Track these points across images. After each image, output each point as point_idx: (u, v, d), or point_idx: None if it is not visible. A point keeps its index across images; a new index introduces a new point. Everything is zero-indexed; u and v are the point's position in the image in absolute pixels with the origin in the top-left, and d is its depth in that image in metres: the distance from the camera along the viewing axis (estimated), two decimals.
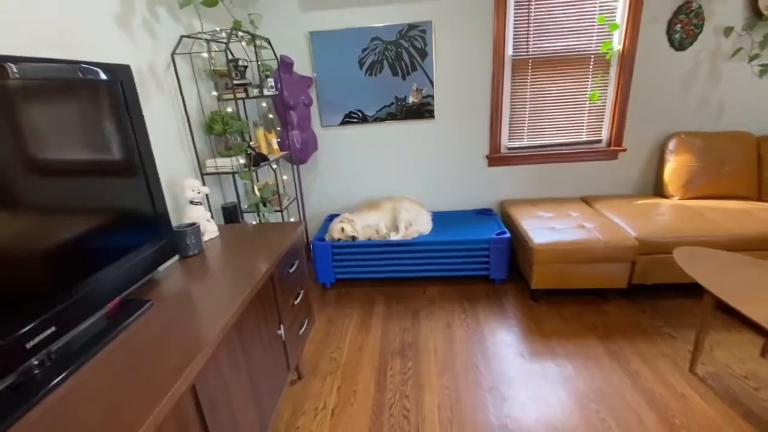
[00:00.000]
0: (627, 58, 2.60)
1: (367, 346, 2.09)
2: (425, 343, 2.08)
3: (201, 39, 1.95)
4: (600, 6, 2.54)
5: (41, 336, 0.87)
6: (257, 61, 2.29)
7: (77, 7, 1.29)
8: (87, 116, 1.04)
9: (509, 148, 2.91)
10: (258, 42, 2.24)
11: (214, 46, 2.09)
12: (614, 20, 2.57)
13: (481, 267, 2.55)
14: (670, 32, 2.54)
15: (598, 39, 2.60)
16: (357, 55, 2.70)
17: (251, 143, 2.14)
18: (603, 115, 2.79)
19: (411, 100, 2.79)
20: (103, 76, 1.09)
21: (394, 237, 2.58)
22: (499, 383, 1.77)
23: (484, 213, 2.95)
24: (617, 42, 2.62)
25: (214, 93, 2.12)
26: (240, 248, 1.56)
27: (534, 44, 2.65)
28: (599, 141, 2.86)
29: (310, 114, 2.80)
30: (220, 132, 1.95)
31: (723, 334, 1.97)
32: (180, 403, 0.88)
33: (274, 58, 2.45)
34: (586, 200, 2.83)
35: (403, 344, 2.08)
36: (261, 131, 2.28)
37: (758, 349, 1.85)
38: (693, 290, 2.32)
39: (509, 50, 2.67)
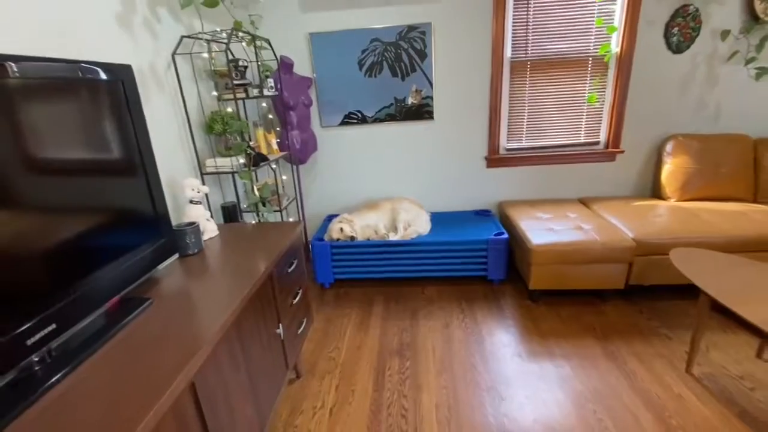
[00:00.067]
0: (625, 61, 2.62)
1: (365, 346, 2.09)
2: (423, 343, 2.09)
3: (201, 39, 1.96)
4: (598, 9, 2.56)
5: (42, 333, 0.87)
6: (257, 61, 2.30)
7: (78, 6, 1.30)
8: (88, 115, 1.05)
9: (508, 150, 2.92)
10: (258, 42, 2.25)
11: (214, 47, 2.10)
12: (612, 23, 2.59)
13: (479, 267, 2.56)
14: (667, 35, 2.56)
15: (596, 41, 2.62)
16: (357, 56, 2.71)
17: (251, 143, 2.15)
18: (601, 117, 2.81)
19: (410, 101, 2.80)
20: (104, 76, 1.10)
21: (393, 237, 2.59)
22: (496, 383, 1.78)
23: (483, 214, 2.96)
24: (615, 44, 2.64)
25: (215, 93, 2.13)
26: (239, 247, 1.56)
27: (533, 46, 2.66)
28: (597, 143, 2.87)
29: (310, 114, 2.81)
30: (220, 132, 1.96)
31: (719, 335, 1.98)
32: (179, 400, 0.89)
33: (274, 58, 2.46)
34: (584, 201, 2.85)
35: (402, 344, 2.09)
36: (261, 131, 2.29)
37: (754, 349, 1.87)
38: (690, 291, 2.34)
39: (508, 52, 2.68)
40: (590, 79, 2.71)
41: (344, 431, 1.58)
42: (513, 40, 2.66)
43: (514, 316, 2.27)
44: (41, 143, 0.91)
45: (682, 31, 2.54)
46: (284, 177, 2.91)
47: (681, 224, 2.27)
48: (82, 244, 1.02)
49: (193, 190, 1.61)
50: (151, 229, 1.28)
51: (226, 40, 1.89)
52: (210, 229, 1.69)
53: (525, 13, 2.59)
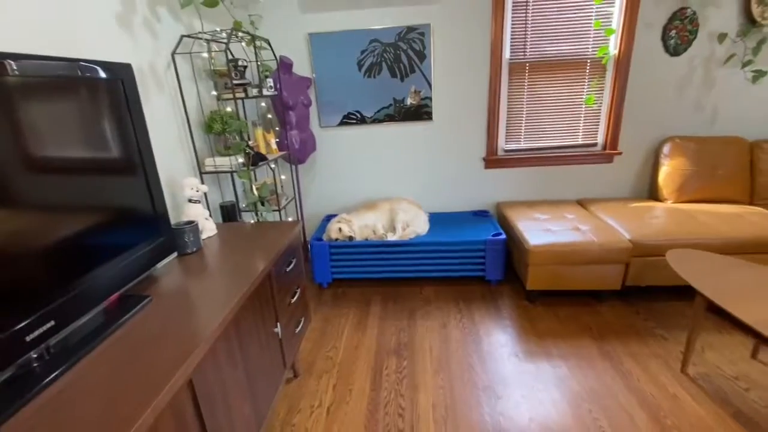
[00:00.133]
0: (623, 63, 2.63)
1: (363, 346, 2.10)
2: (421, 342, 2.09)
3: (201, 39, 1.97)
4: (596, 11, 2.57)
5: (41, 330, 0.88)
6: (257, 61, 2.31)
7: (78, 6, 1.31)
8: (88, 114, 1.05)
9: (506, 151, 2.94)
10: (258, 43, 2.25)
11: (214, 46, 2.11)
12: (610, 25, 2.61)
13: (477, 268, 2.57)
14: (665, 38, 2.57)
15: (594, 44, 2.64)
16: (356, 56, 2.72)
17: (250, 143, 2.16)
18: (599, 118, 2.82)
19: (409, 101, 2.81)
20: (103, 75, 1.10)
21: (391, 237, 2.60)
22: (493, 383, 1.78)
23: (481, 214, 2.97)
24: (613, 47, 2.65)
25: (214, 92, 2.13)
26: (238, 246, 1.57)
27: (531, 48, 2.68)
28: (595, 144, 2.89)
29: (309, 114, 2.81)
30: (219, 131, 1.96)
31: (714, 336, 2.00)
32: (177, 397, 0.90)
33: (274, 58, 2.46)
34: (582, 203, 2.86)
35: (399, 344, 2.10)
36: (260, 131, 2.30)
37: (749, 350, 1.88)
38: (686, 292, 2.35)
39: (507, 54, 2.70)
40: (588, 81, 2.73)
41: (341, 430, 1.59)
42: (512, 42, 2.67)
43: (511, 317, 2.28)
44: (41, 141, 0.91)
45: (679, 34, 2.55)
46: (283, 177, 2.91)
47: (678, 226, 2.28)
48: (82, 241, 1.02)
49: (192, 189, 1.62)
50: (150, 227, 1.29)
51: (225, 40, 1.90)
52: (208, 228, 1.69)
53: (524, 14, 2.61)
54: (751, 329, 1.38)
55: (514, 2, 2.58)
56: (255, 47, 2.26)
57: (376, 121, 2.87)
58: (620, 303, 2.34)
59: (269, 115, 2.78)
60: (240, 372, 1.22)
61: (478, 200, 3.05)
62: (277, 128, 2.73)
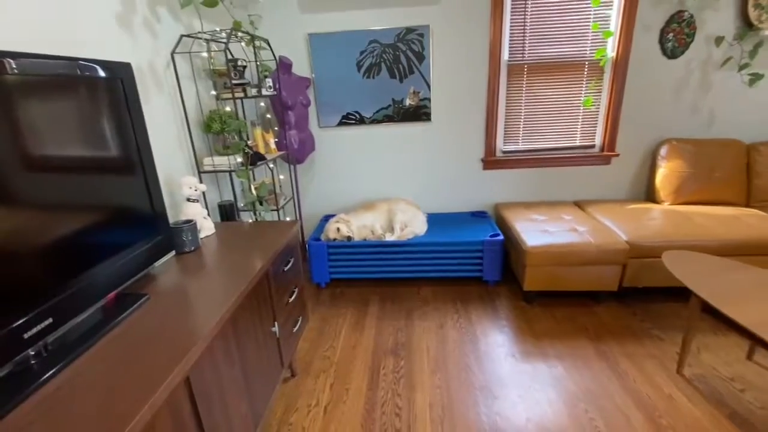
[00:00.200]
0: (620, 65, 2.65)
1: (360, 345, 2.11)
2: (418, 342, 2.10)
3: (201, 39, 1.98)
4: (594, 13, 2.59)
5: (38, 327, 0.88)
6: (256, 61, 2.31)
7: (78, 5, 1.31)
8: (87, 113, 1.06)
9: (504, 152, 2.95)
10: (257, 43, 2.26)
11: (213, 46, 2.11)
12: (608, 28, 2.62)
13: (474, 268, 2.58)
14: (662, 41, 2.59)
15: (592, 46, 2.65)
16: (355, 57, 2.73)
17: (249, 142, 2.16)
18: (596, 120, 2.84)
19: (408, 102, 2.82)
20: (103, 73, 1.11)
21: (390, 238, 2.60)
22: (490, 383, 1.79)
23: (479, 215, 2.98)
24: (611, 49, 2.66)
25: (213, 92, 2.14)
26: (236, 245, 1.57)
27: (530, 50, 2.69)
28: (593, 146, 2.90)
29: (308, 114, 2.82)
30: (218, 131, 1.97)
31: (710, 337, 2.01)
32: (174, 395, 0.90)
33: (273, 58, 2.47)
34: (579, 204, 2.87)
35: (397, 344, 2.10)
36: (259, 131, 2.30)
37: (744, 351, 1.89)
38: (682, 294, 2.36)
39: (505, 55, 2.71)
40: (586, 83, 2.74)
41: (338, 429, 1.59)
42: (510, 44, 2.68)
43: (508, 317, 2.28)
44: (40, 140, 0.91)
45: (677, 37, 2.57)
46: (281, 176, 2.92)
47: (674, 227, 2.30)
48: (80, 240, 1.02)
49: (190, 188, 1.62)
50: (148, 226, 1.29)
51: (225, 40, 1.90)
52: (207, 227, 1.70)
53: (522, 16, 2.62)
54: (746, 331, 1.39)
55: (512, 4, 2.59)
56: (254, 47, 2.26)
57: (374, 121, 2.88)
58: (617, 304, 2.35)
59: (268, 115, 2.78)
60: (237, 371, 1.23)
61: (476, 201, 3.06)
62: (276, 128, 2.74)
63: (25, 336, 0.85)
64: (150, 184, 1.29)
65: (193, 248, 1.54)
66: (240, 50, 2.45)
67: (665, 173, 2.70)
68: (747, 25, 2.51)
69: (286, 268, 1.68)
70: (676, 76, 2.67)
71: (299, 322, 1.84)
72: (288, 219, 2.97)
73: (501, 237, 2.52)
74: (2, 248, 0.83)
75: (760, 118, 2.72)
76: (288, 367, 1.87)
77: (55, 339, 0.98)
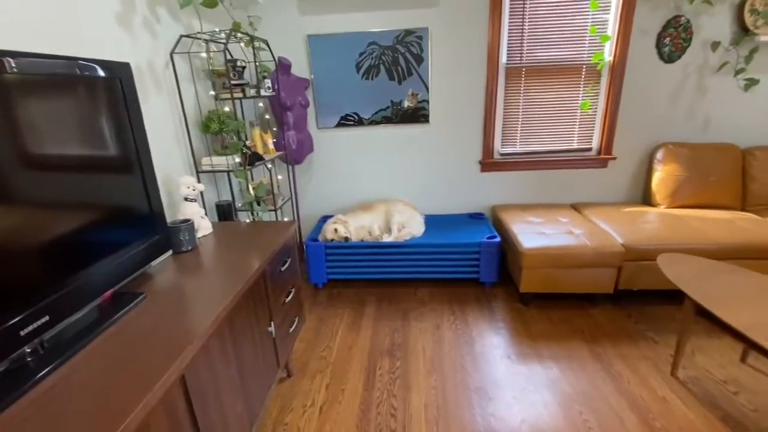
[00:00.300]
0: (617, 69, 2.67)
1: (356, 346, 2.11)
2: (414, 343, 2.11)
3: (200, 39, 1.98)
4: (592, 18, 2.61)
5: (35, 324, 0.89)
6: (255, 62, 2.32)
7: (79, 5, 1.32)
8: (86, 112, 1.06)
9: (502, 154, 2.96)
10: (256, 43, 2.27)
11: (212, 47, 2.12)
12: (605, 32, 2.64)
13: (471, 270, 2.59)
14: (659, 45, 2.61)
15: (589, 50, 2.67)
16: (354, 58, 2.74)
17: (247, 143, 2.17)
18: (594, 123, 2.85)
19: (406, 104, 2.83)
20: (102, 73, 1.11)
21: (387, 239, 2.61)
22: (485, 384, 1.80)
23: (476, 217, 2.99)
24: (608, 53, 2.68)
25: (212, 92, 2.15)
26: (233, 245, 1.58)
27: (528, 53, 2.70)
28: (590, 149, 2.92)
29: (307, 115, 2.83)
30: (216, 131, 1.97)
31: (704, 340, 2.02)
32: (169, 393, 0.90)
33: (272, 59, 2.48)
34: (576, 207, 2.89)
35: (393, 344, 2.11)
36: (257, 131, 2.31)
37: (738, 354, 1.90)
38: (677, 296, 2.37)
39: (503, 58, 2.72)
40: (584, 87, 2.76)
41: (334, 429, 1.60)
42: (508, 47, 2.70)
43: (504, 319, 2.29)
44: (39, 139, 0.92)
45: (673, 42, 2.59)
46: (280, 177, 2.92)
47: (670, 231, 2.31)
48: (77, 238, 1.03)
49: (188, 187, 1.63)
50: (145, 225, 1.30)
51: (224, 41, 1.91)
52: (204, 226, 1.70)
53: (520, 19, 2.64)
54: (739, 333, 1.40)
55: (511, 8, 2.61)
56: (253, 48, 2.27)
57: (373, 122, 2.89)
58: (613, 306, 2.36)
59: (267, 116, 2.79)
60: (233, 370, 1.23)
61: (474, 203, 3.08)
62: (274, 129, 2.74)
63: (22, 333, 0.86)
64: (148, 184, 1.30)
65: (190, 248, 1.55)
66: (239, 51, 2.46)
67: (661, 177, 2.72)
68: (743, 30, 2.54)
69: (283, 269, 1.68)
70: (672, 81, 2.69)
71: (296, 323, 1.85)
72: (286, 219, 2.98)
73: (498, 239, 2.53)
74: (1, 246, 0.83)
75: (755, 123, 2.74)
76: (284, 367, 1.88)
77: (52, 337, 0.99)
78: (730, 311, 1.46)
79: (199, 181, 1.95)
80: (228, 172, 2.01)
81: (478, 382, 1.81)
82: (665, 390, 1.72)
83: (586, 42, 2.66)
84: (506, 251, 2.65)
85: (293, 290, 1.81)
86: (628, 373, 1.82)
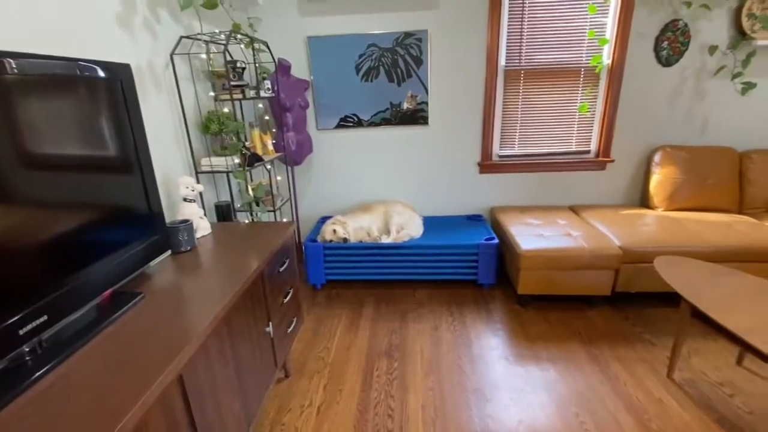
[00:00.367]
0: (616, 72, 2.68)
1: (354, 347, 2.12)
2: (412, 345, 2.11)
3: (200, 40, 1.99)
4: (590, 21, 2.62)
5: (34, 324, 0.89)
6: (255, 63, 2.33)
7: (80, 6, 1.32)
8: (86, 113, 1.07)
9: (500, 156, 2.97)
10: (256, 45, 2.28)
11: (212, 48, 2.13)
12: (604, 35, 2.65)
13: (469, 271, 2.60)
14: (657, 49, 2.62)
15: (588, 53, 2.68)
16: (354, 60, 2.75)
17: (246, 143, 2.17)
18: (592, 126, 2.87)
19: (405, 106, 2.84)
20: (102, 74, 1.12)
21: (386, 240, 2.62)
22: (483, 385, 1.80)
23: (475, 219, 3.00)
24: (606, 56, 2.70)
25: (212, 93, 2.15)
26: (231, 245, 1.59)
27: (526, 56, 2.72)
28: (588, 151, 2.93)
29: (306, 116, 2.84)
30: (216, 132, 1.98)
31: (700, 342, 2.03)
32: (167, 392, 0.91)
33: (272, 61, 2.49)
34: (574, 209, 2.90)
35: (391, 345, 2.11)
36: (256, 132, 2.32)
37: (734, 356, 1.91)
38: (674, 299, 2.38)
39: (502, 61, 2.74)
40: (582, 89, 2.77)
41: (331, 430, 1.60)
42: (507, 49, 2.71)
43: (502, 320, 2.30)
44: (39, 139, 0.93)
45: (671, 45, 2.60)
46: (279, 178, 2.93)
47: (667, 233, 2.32)
48: (77, 238, 1.04)
49: (187, 188, 1.63)
50: (144, 225, 1.30)
51: (224, 42, 1.92)
52: (203, 227, 1.71)
53: (519, 23, 2.65)
54: (735, 336, 1.41)
55: (510, 11, 2.62)
56: (253, 49, 2.28)
57: (372, 124, 2.90)
58: (610, 308, 2.37)
59: (266, 117, 2.80)
60: (230, 370, 1.24)
61: (473, 204, 3.08)
62: (274, 130, 2.75)
63: (21, 332, 0.86)
64: (147, 184, 1.31)
65: (189, 248, 1.55)
66: (239, 52, 2.47)
67: (659, 179, 2.73)
68: (740, 34, 2.55)
69: (281, 269, 1.69)
70: (670, 84, 2.70)
71: (294, 323, 1.85)
72: (285, 220, 2.98)
73: (496, 240, 2.54)
74: (1, 245, 0.84)
75: (752, 126, 2.76)
76: (282, 367, 1.88)
77: (50, 336, 0.99)
78: (726, 314, 1.47)
79: (198, 182, 1.95)
80: (227, 172, 2.01)
81: (475, 383, 1.82)
82: (661, 392, 1.72)
83: (585, 45, 2.67)
84: (504, 253, 2.66)
85: (291, 291, 1.82)
86: (624, 374, 1.83)
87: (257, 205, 2.19)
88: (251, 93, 2.16)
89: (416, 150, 2.96)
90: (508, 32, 2.68)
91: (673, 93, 2.72)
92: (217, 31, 2.02)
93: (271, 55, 2.43)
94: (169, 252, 1.51)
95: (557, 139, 2.90)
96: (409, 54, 2.72)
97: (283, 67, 2.58)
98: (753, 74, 2.63)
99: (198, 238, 1.67)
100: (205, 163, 1.99)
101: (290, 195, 2.94)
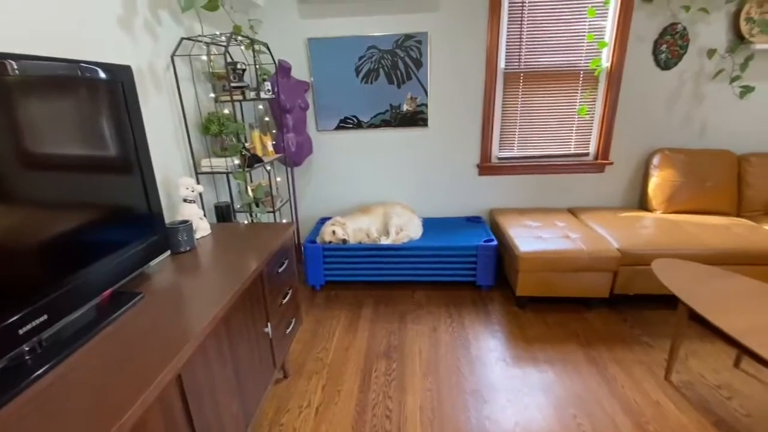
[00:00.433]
0: (615, 75, 2.69)
1: (353, 348, 2.12)
2: (411, 346, 2.12)
3: (201, 42, 2.00)
4: (590, 24, 2.63)
5: (33, 323, 0.90)
6: (255, 64, 2.34)
7: (81, 7, 1.33)
8: (87, 114, 1.08)
9: (499, 158, 2.98)
10: (257, 46, 2.29)
11: (213, 49, 2.14)
12: (603, 38, 2.66)
13: (468, 273, 2.60)
14: (656, 52, 2.63)
15: (587, 56, 2.69)
16: (354, 62, 2.76)
17: (246, 144, 2.18)
18: (591, 129, 2.88)
19: (405, 107, 2.85)
20: (103, 76, 1.13)
21: (385, 241, 2.62)
22: (481, 387, 1.81)
23: (474, 220, 3.00)
24: (605, 59, 2.71)
25: (212, 95, 2.16)
26: (231, 246, 1.59)
27: (526, 58, 2.73)
28: (587, 154, 2.94)
29: (306, 118, 2.85)
30: (216, 133, 1.99)
31: (698, 344, 2.03)
32: (165, 392, 0.91)
33: (273, 62, 2.50)
34: (573, 211, 2.90)
35: (389, 347, 2.12)
36: (256, 133, 2.33)
37: (732, 359, 1.92)
38: (672, 301, 2.38)
39: (502, 63, 2.75)
40: (581, 92, 2.78)
41: (329, 430, 1.61)
42: (507, 52, 2.72)
43: (501, 322, 2.30)
44: (40, 140, 0.93)
45: (670, 49, 2.61)
46: (278, 179, 2.94)
47: (665, 236, 2.33)
48: (77, 238, 1.04)
49: (187, 188, 1.64)
50: (144, 225, 1.31)
51: (225, 43, 1.93)
52: (203, 227, 1.71)
53: (519, 25, 2.66)
54: (732, 339, 1.41)
55: (509, 14, 2.64)
56: (254, 51, 2.29)
57: (372, 126, 2.91)
58: (608, 310, 2.38)
59: (266, 118, 2.81)
60: (229, 370, 1.24)
61: (472, 206, 3.09)
62: (274, 131, 2.76)
63: (20, 332, 0.87)
64: (147, 185, 1.31)
65: (188, 248, 1.56)
66: (239, 54, 2.48)
67: (658, 182, 2.74)
68: (738, 38, 2.56)
69: (280, 270, 1.69)
70: (669, 87, 2.71)
71: (292, 324, 1.86)
72: (284, 221, 2.99)
73: (495, 242, 2.54)
74: (1, 245, 0.84)
75: (750, 130, 2.77)
76: (280, 368, 1.88)
77: (50, 336, 1.00)
78: (724, 317, 1.48)
79: (198, 183, 1.96)
80: (227, 173, 2.02)
81: (473, 384, 1.82)
82: (659, 394, 1.73)
83: (584, 48, 2.68)
84: (503, 255, 2.66)
85: (290, 292, 1.82)
86: (622, 376, 1.83)
87: (257, 206, 2.20)
88: (251, 94, 2.17)
89: (416, 152, 2.97)
90: (507, 35, 2.69)
91: (671, 96, 2.73)
92: (217, 32, 2.03)
93: (272, 56, 2.44)
94: (168, 252, 1.52)
95: (556, 142, 2.91)
96: (408, 56, 2.73)
97: (283, 69, 2.59)
98: (751, 78, 2.64)
99: (197, 239, 1.68)
100: (205, 164, 2.00)
101: (290, 196, 2.95)
